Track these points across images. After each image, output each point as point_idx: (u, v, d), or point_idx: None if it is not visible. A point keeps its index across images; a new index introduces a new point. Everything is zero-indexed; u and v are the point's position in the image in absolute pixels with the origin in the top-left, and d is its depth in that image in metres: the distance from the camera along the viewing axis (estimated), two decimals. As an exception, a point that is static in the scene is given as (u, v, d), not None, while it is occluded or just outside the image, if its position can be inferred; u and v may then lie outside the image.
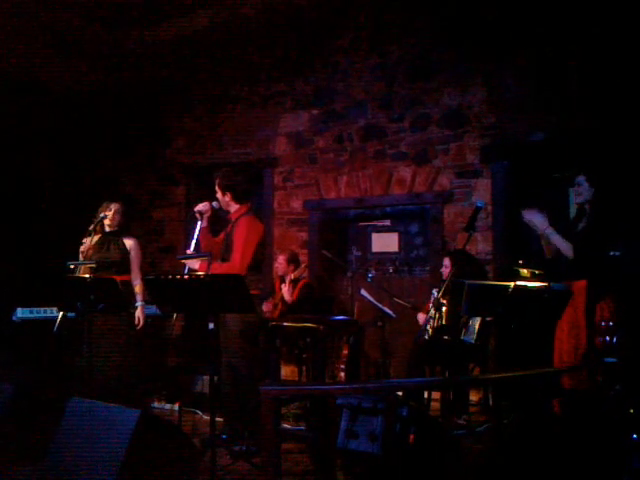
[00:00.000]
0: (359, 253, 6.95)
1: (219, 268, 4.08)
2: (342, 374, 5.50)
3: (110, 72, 6.94)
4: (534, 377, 3.83)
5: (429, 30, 6.27)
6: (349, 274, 5.95)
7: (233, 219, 4.37)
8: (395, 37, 6.45)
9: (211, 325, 3.42)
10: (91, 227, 4.78)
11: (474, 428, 4.69)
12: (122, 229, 5.00)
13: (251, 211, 4.43)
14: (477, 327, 4.92)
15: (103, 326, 4.56)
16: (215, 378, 3.71)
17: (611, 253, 3.81)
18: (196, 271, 4.04)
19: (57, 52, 6.40)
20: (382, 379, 5.77)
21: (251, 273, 4.17)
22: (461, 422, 4.84)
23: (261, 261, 4.38)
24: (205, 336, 3.47)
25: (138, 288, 4.88)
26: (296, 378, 5.77)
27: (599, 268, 3.82)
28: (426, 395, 4.75)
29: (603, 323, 3.71)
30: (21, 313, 5.47)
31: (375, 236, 6.86)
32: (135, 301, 4.89)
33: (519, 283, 3.39)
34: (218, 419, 3.74)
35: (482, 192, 5.96)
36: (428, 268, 6.43)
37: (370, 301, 5.76)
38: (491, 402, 5.08)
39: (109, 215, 4.89)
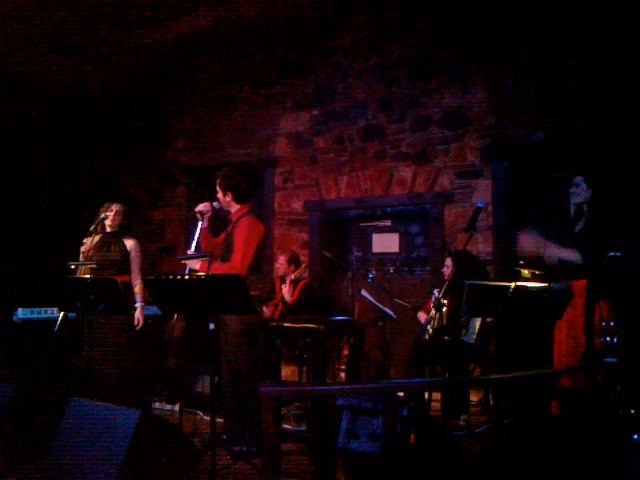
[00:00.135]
0: (359, 253, 6.95)
1: (220, 268, 4.08)
2: (342, 374, 5.50)
3: (110, 72, 6.95)
4: (534, 378, 3.83)
5: (429, 30, 6.27)
6: (349, 274, 5.95)
7: (234, 219, 4.36)
8: (395, 37, 6.45)
9: (211, 325, 3.42)
10: (92, 227, 4.77)
11: (474, 428, 4.69)
12: (123, 230, 5.01)
13: (252, 211, 4.43)
14: (477, 327, 4.92)
15: (104, 326, 4.56)
16: (215, 378, 3.71)
17: (611, 253, 3.80)
18: (197, 271, 4.03)
19: (57, 52, 6.41)
20: (382, 379, 5.77)
21: (252, 273, 4.16)
22: (461, 423, 4.84)
23: (261, 259, 4.38)
24: (205, 337, 3.47)
25: (138, 288, 4.88)
26: (296, 378, 5.77)
27: (599, 268, 3.82)
28: (426, 395, 4.74)
29: (603, 323, 3.71)
30: (22, 313, 5.47)
31: (375, 236, 6.86)
32: (135, 302, 4.89)
33: (520, 283, 3.39)
34: (218, 419, 3.74)
35: (482, 192, 5.96)
36: (429, 268, 6.43)
37: (370, 301, 5.76)
38: (491, 402, 5.08)
39: (110, 215, 4.89)
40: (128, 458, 2.89)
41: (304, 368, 5.58)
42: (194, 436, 4.29)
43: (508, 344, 4.96)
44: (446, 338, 4.98)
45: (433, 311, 4.98)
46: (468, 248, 4.81)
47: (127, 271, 4.89)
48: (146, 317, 5.01)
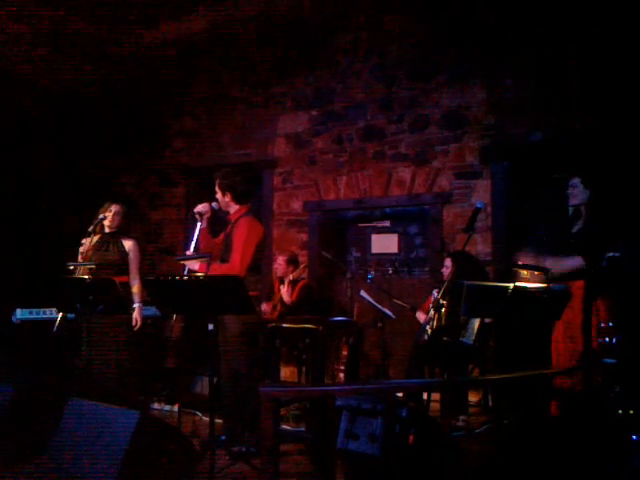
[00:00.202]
0: (358, 254, 6.96)
1: (219, 269, 4.08)
2: (342, 375, 5.50)
3: (110, 72, 6.94)
4: (532, 378, 3.83)
5: (428, 31, 6.28)
6: (348, 275, 5.95)
7: (233, 220, 4.36)
8: (394, 38, 6.45)
9: (210, 326, 3.43)
10: (90, 228, 4.77)
11: (473, 429, 4.69)
12: (121, 230, 5.00)
13: (251, 212, 4.43)
14: (476, 328, 4.93)
15: (102, 327, 4.56)
16: (214, 379, 3.72)
17: (610, 254, 3.81)
18: (196, 272, 4.03)
19: (57, 52, 6.40)
20: (382, 380, 5.77)
21: (250, 274, 4.16)
22: (460, 423, 4.84)
23: (260, 260, 4.37)
24: (204, 337, 3.47)
25: (136, 288, 4.87)
26: (295, 379, 5.77)
27: (597, 269, 3.82)
28: (425, 396, 4.74)
29: (602, 324, 3.71)
30: (20, 314, 5.47)
31: (374, 237, 6.87)
32: (133, 302, 4.88)
33: (519, 284, 3.39)
34: (217, 420, 3.74)
35: (482, 193, 5.96)
36: (427, 269, 6.43)
37: (370, 302, 5.76)
38: (490, 403, 5.08)
39: (109, 216, 4.88)
40: (127, 459, 2.89)
41: (303, 369, 5.57)
42: (193, 437, 4.28)
43: (507, 345, 4.97)
44: (445, 339, 4.98)
45: (432, 312, 4.97)
46: (467, 248, 4.81)
47: (126, 272, 4.88)
48: (145, 317, 5.01)
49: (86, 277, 4.39)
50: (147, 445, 3.00)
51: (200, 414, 5.19)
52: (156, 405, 5.68)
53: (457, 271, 4.54)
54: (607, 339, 3.62)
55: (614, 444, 3.14)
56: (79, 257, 4.77)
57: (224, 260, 4.23)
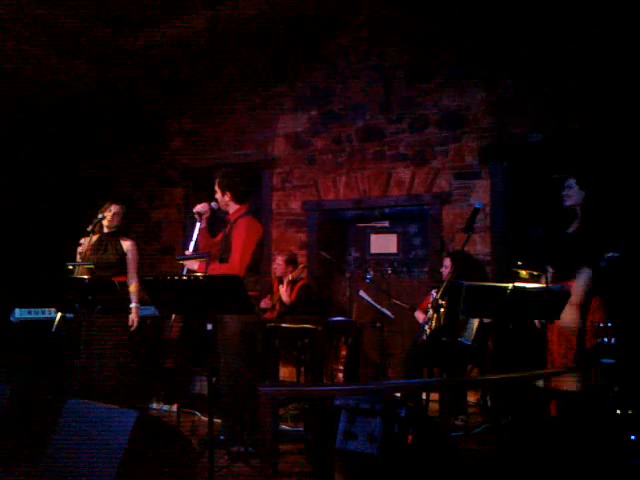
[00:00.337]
0: (358, 254, 6.96)
1: (218, 269, 4.08)
2: (340, 375, 5.50)
3: (110, 72, 6.94)
4: (531, 378, 3.83)
5: (428, 31, 6.27)
6: (348, 275, 5.95)
7: (232, 220, 4.36)
8: (394, 38, 6.45)
9: (209, 326, 3.42)
10: (89, 228, 4.77)
11: (472, 429, 4.70)
12: (120, 230, 5.00)
13: (250, 212, 4.43)
14: (475, 328, 4.93)
15: (101, 327, 4.56)
16: (213, 379, 3.71)
17: (609, 254, 3.81)
18: (195, 272, 4.03)
19: (57, 52, 6.40)
20: (381, 380, 5.77)
21: (249, 274, 4.16)
22: (459, 423, 4.85)
23: (259, 260, 4.37)
24: (203, 337, 3.47)
25: (132, 287, 4.86)
26: (294, 379, 5.77)
27: (594, 269, 3.83)
28: (424, 396, 4.74)
29: (601, 324, 3.71)
30: (19, 314, 5.46)
31: (374, 237, 6.87)
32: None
33: (517, 284, 3.39)
34: (216, 420, 3.73)
35: (481, 193, 5.96)
36: (427, 269, 6.43)
37: (369, 302, 5.76)
38: (489, 403, 5.08)
39: (108, 216, 4.88)
40: (126, 458, 2.88)
41: (302, 369, 5.57)
42: (192, 437, 4.27)
43: (506, 345, 4.97)
44: (444, 339, 4.98)
45: (431, 312, 4.97)
46: (466, 249, 4.82)
47: (124, 272, 4.88)
48: (144, 317, 5.00)
49: (85, 277, 4.40)
50: (146, 445, 3.00)
51: (199, 414, 5.19)
52: (155, 405, 5.68)
53: (456, 271, 4.54)
54: (606, 339, 3.62)
55: (613, 444, 3.14)
56: (77, 257, 4.77)
57: (223, 260, 4.23)
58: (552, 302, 3.48)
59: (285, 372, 6.26)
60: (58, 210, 7.21)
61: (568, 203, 4.09)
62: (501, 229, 5.89)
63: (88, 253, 4.73)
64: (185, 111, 7.71)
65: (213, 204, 4.37)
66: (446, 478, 3.15)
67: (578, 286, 3.81)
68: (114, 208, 4.93)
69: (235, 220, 4.32)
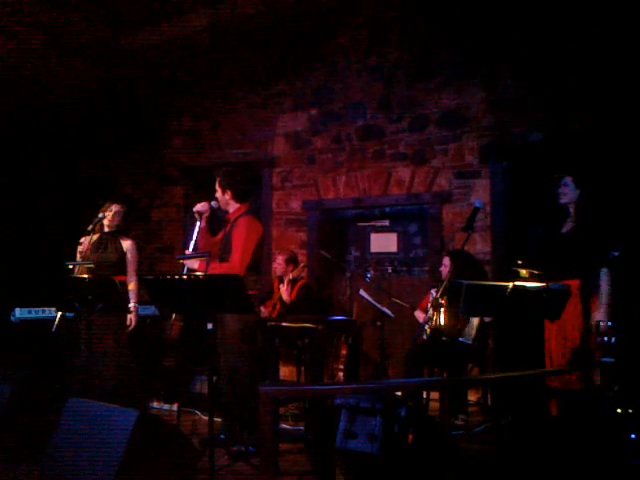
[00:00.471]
0: (358, 253, 6.96)
1: (218, 268, 4.07)
2: (341, 374, 5.51)
3: (110, 72, 6.94)
4: (532, 377, 3.83)
5: (427, 30, 6.28)
6: (348, 274, 5.95)
7: (232, 219, 4.36)
8: (393, 38, 6.45)
9: (210, 325, 3.42)
10: (90, 227, 4.77)
11: (472, 428, 4.70)
12: (120, 230, 5.00)
13: (250, 211, 4.42)
14: (475, 328, 4.92)
15: (101, 326, 4.56)
16: (214, 378, 3.71)
17: (612, 253, 3.82)
18: (195, 271, 4.03)
19: (57, 52, 6.40)
20: (381, 379, 5.77)
21: (250, 273, 4.16)
22: (459, 422, 4.85)
23: (259, 259, 4.37)
24: (204, 336, 3.47)
25: (132, 286, 4.87)
26: (295, 378, 5.77)
27: (592, 268, 3.83)
28: (425, 395, 4.75)
29: (602, 323, 3.71)
30: (19, 313, 5.46)
31: (374, 236, 6.87)
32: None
33: (518, 283, 3.39)
34: (216, 419, 3.74)
35: (481, 192, 5.96)
36: (427, 268, 6.43)
37: (369, 301, 5.76)
38: (489, 402, 5.08)
39: (108, 216, 4.88)
40: (126, 458, 2.89)
41: (302, 368, 5.57)
42: (192, 436, 4.28)
43: (506, 344, 4.97)
44: (444, 338, 4.98)
45: (431, 311, 4.97)
46: (466, 248, 4.81)
47: (124, 271, 4.88)
48: (145, 317, 5.00)
49: (85, 276, 4.39)
50: (146, 444, 3.00)
51: (199, 413, 5.20)
52: (155, 404, 5.68)
53: (455, 270, 4.53)
54: (606, 338, 3.62)
55: (613, 443, 3.14)
56: (77, 256, 4.77)
57: (223, 259, 4.23)
58: (552, 301, 3.48)
59: (285, 371, 6.26)
60: (58, 210, 7.21)
61: (563, 200, 4.12)
62: (501, 228, 5.89)
63: (88, 252, 4.74)
64: (185, 111, 7.71)
65: (213, 203, 4.37)
66: (446, 477, 3.15)
67: (603, 287, 3.83)
68: (115, 207, 4.93)
69: (235, 219, 4.32)
